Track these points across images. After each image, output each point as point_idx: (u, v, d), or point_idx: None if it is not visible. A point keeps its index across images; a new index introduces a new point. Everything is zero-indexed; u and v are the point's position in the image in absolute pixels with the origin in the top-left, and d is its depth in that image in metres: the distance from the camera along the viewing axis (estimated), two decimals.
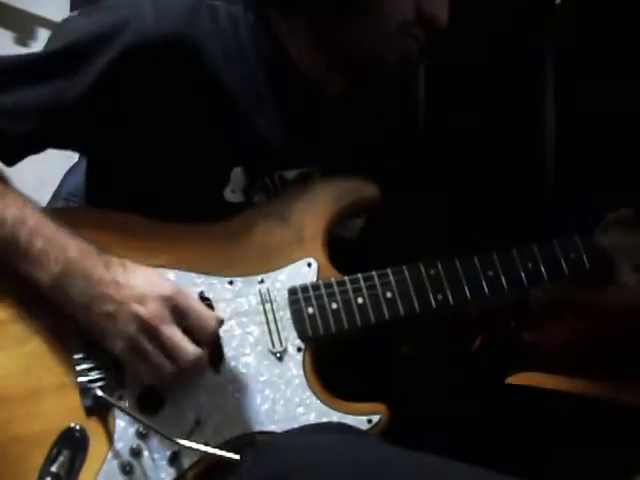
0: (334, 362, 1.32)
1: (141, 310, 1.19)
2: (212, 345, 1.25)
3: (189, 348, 1.20)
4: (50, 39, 1.35)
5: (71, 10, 3.19)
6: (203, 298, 1.29)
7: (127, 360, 1.22)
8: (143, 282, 1.22)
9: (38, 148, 1.36)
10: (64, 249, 1.22)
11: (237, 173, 1.36)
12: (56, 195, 1.87)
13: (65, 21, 1.39)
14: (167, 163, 1.33)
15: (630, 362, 1.84)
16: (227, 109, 1.33)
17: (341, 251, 1.38)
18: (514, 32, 2.40)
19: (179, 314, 1.21)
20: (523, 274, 1.41)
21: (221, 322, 1.25)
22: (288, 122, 1.40)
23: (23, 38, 3.19)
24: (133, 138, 1.32)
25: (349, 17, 1.35)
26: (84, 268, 1.21)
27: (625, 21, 2.24)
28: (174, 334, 1.20)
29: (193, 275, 1.29)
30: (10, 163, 1.33)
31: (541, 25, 2.38)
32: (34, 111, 1.29)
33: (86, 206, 1.48)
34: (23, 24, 3.18)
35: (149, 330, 1.19)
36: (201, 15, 1.32)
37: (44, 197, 1.78)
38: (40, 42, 3.16)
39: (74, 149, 1.44)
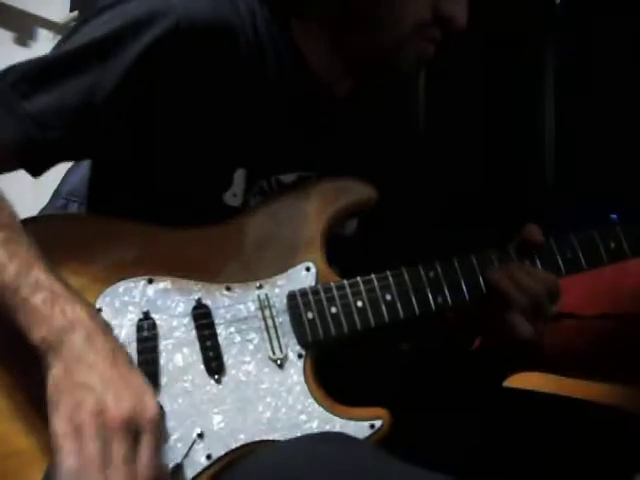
0: (332, 360, 1.31)
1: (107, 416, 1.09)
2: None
3: None
4: (72, 34, 1.30)
5: (71, 10, 3.20)
6: (201, 305, 1.27)
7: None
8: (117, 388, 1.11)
9: (65, 156, 1.33)
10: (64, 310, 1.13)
11: (239, 175, 1.34)
12: (56, 194, 1.86)
13: (88, 18, 1.32)
14: (179, 156, 1.31)
15: (630, 365, 1.84)
16: (236, 103, 1.32)
17: (337, 248, 1.38)
18: (514, 32, 2.40)
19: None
20: None
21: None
22: (291, 123, 1.39)
23: (23, 38, 3.19)
24: (155, 135, 1.30)
25: (363, 20, 1.33)
26: (76, 346, 1.12)
27: (625, 22, 2.24)
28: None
29: (190, 282, 1.27)
30: (36, 173, 1.29)
31: (541, 25, 2.38)
32: (63, 116, 1.25)
33: (80, 213, 1.46)
34: (23, 24, 3.18)
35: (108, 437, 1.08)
36: (224, 4, 1.31)
37: (44, 197, 1.78)
38: (40, 42, 3.17)
39: (93, 154, 1.41)
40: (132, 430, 1.09)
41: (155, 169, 1.32)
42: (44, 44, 3.08)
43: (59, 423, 1.08)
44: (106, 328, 1.16)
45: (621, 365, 1.88)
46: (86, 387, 1.09)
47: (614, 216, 2.09)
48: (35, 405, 1.19)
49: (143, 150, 1.31)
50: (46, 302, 1.13)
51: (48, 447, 1.14)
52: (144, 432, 1.10)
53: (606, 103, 2.27)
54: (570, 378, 1.85)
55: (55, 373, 1.11)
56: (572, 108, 2.35)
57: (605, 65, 2.30)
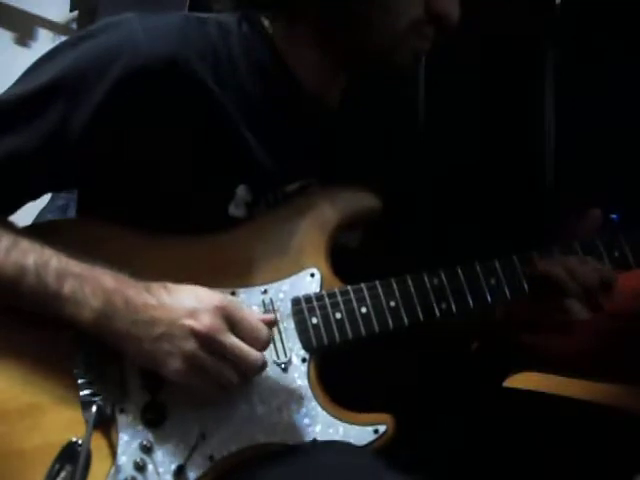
0: (336, 365, 1.32)
1: (196, 324, 1.17)
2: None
3: (253, 355, 1.20)
4: (34, 70, 1.29)
5: (71, 10, 3.19)
6: None
7: (185, 379, 1.20)
8: (190, 298, 1.20)
9: (36, 195, 1.33)
10: (98, 281, 1.19)
11: (242, 190, 1.34)
12: (56, 194, 1.86)
13: (51, 53, 1.31)
14: (171, 184, 1.31)
15: (630, 365, 1.84)
16: (226, 127, 1.31)
17: (342, 259, 1.37)
18: (514, 32, 2.39)
19: (233, 323, 1.20)
20: (525, 282, 1.39)
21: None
22: (287, 135, 1.38)
23: (23, 38, 3.19)
24: (134, 164, 1.29)
25: (356, 22, 1.32)
26: (125, 296, 1.19)
27: (625, 21, 2.24)
28: (236, 343, 1.19)
29: None
30: (6, 214, 1.29)
31: (541, 25, 2.38)
32: (27, 160, 1.24)
33: (82, 219, 1.44)
34: (23, 24, 3.19)
35: (208, 343, 1.18)
36: (192, 32, 1.30)
37: (44, 197, 1.78)
38: (40, 42, 3.17)
39: (71, 186, 1.40)
40: (224, 321, 1.19)
41: (148, 186, 1.31)
42: (44, 44, 3.08)
43: (171, 367, 1.18)
44: (129, 279, 1.22)
45: (621, 365, 1.88)
46: (158, 328, 1.18)
47: (614, 216, 2.10)
48: (36, 404, 1.20)
49: (130, 171, 1.30)
50: (75, 288, 1.19)
51: (50, 447, 1.17)
52: (233, 320, 1.20)
53: (606, 103, 2.27)
54: (570, 378, 1.85)
55: (128, 342, 1.19)
56: (572, 108, 2.35)
57: (605, 65, 2.29)
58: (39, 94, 1.25)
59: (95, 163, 1.28)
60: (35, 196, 1.33)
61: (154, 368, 1.20)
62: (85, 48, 1.27)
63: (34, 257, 1.20)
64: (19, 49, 3.16)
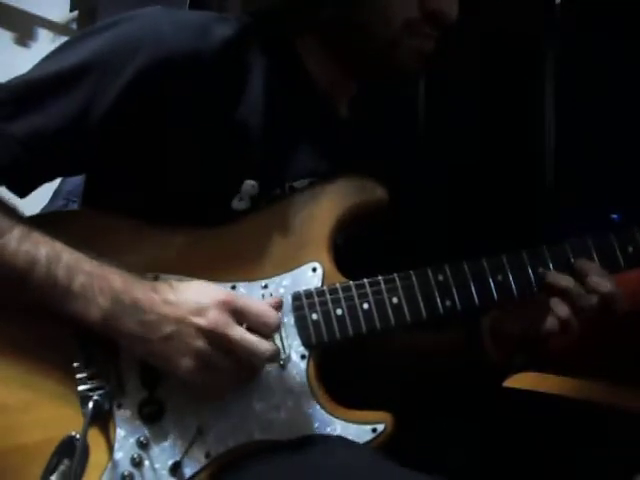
0: (336, 362, 1.31)
1: (202, 321, 1.17)
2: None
3: (263, 345, 1.19)
4: (59, 53, 1.30)
5: (71, 10, 3.20)
6: None
7: (197, 377, 1.19)
8: (194, 294, 1.20)
9: (53, 176, 1.33)
10: (107, 280, 1.19)
11: (249, 185, 1.33)
12: (56, 194, 1.86)
13: (75, 39, 1.32)
14: (178, 174, 1.30)
15: (627, 364, 1.84)
16: (240, 122, 1.32)
17: (345, 254, 1.37)
18: (514, 32, 2.39)
19: (239, 315, 1.20)
20: (533, 278, 1.36)
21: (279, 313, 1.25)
22: (299, 133, 1.39)
23: (23, 38, 3.20)
24: (144, 155, 1.29)
25: (353, 28, 1.34)
26: (133, 296, 1.19)
27: (625, 21, 2.23)
28: (244, 335, 1.19)
29: None
30: (23, 194, 1.29)
31: (541, 25, 2.38)
32: (49, 138, 1.24)
33: (85, 210, 1.44)
34: (23, 24, 3.19)
35: (217, 338, 1.18)
36: (214, 30, 1.31)
37: (44, 196, 1.78)
38: (40, 42, 3.18)
39: (84, 171, 1.40)
40: (230, 314, 1.19)
41: (156, 177, 1.31)
42: (44, 44, 3.09)
43: (182, 366, 1.18)
44: (138, 278, 1.22)
45: (622, 365, 1.88)
46: (166, 327, 1.18)
47: (614, 216, 2.10)
48: (34, 398, 1.20)
49: (141, 160, 1.31)
50: (85, 286, 1.19)
51: (48, 441, 1.17)
52: (238, 310, 1.20)
53: (606, 103, 2.27)
54: (570, 378, 1.85)
55: (137, 342, 1.20)
56: (572, 108, 2.35)
57: (605, 65, 2.29)
58: (63, 76, 1.25)
59: (109, 149, 1.29)
60: (51, 177, 1.33)
61: (165, 368, 1.20)
62: (110, 35, 1.28)
63: (46, 249, 1.20)
64: (19, 49, 3.17)
